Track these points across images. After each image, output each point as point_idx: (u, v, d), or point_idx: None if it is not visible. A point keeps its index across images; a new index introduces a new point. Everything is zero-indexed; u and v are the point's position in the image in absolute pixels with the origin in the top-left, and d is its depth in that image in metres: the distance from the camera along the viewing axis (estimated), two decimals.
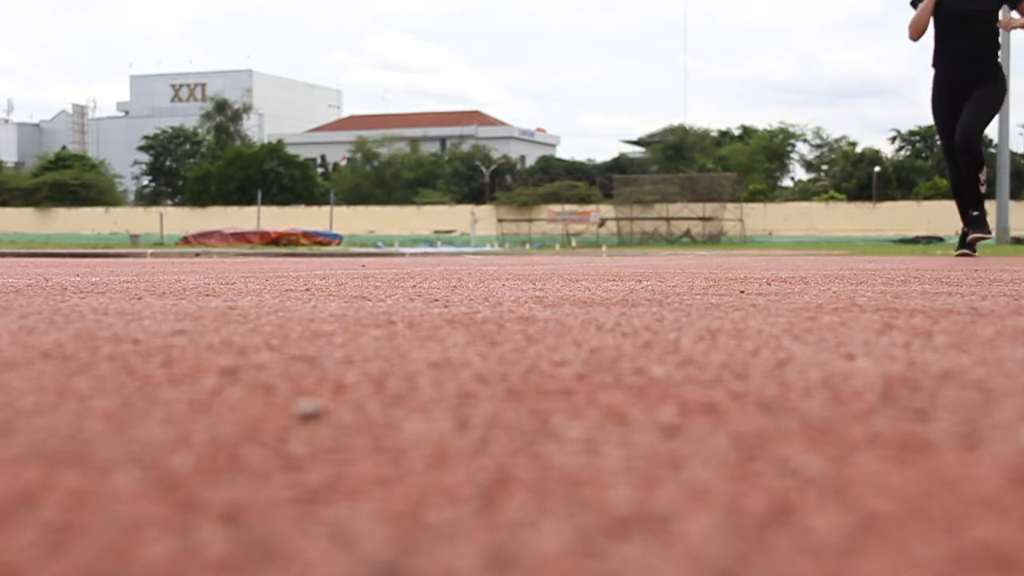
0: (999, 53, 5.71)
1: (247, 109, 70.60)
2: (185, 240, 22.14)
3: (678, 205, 44.01)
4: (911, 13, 5.56)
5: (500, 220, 48.15)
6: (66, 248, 11.40)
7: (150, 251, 10.10)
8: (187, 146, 69.89)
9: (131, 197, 73.89)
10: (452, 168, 63.88)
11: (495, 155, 64.70)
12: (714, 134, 65.47)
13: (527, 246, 28.61)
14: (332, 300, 1.46)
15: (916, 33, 5.50)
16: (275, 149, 62.68)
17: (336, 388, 0.65)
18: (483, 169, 61.46)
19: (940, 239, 37.35)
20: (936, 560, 0.32)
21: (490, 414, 0.56)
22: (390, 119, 77.85)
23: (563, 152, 77.82)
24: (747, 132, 65.27)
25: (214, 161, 63.95)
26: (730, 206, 44.35)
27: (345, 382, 0.68)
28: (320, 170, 69.44)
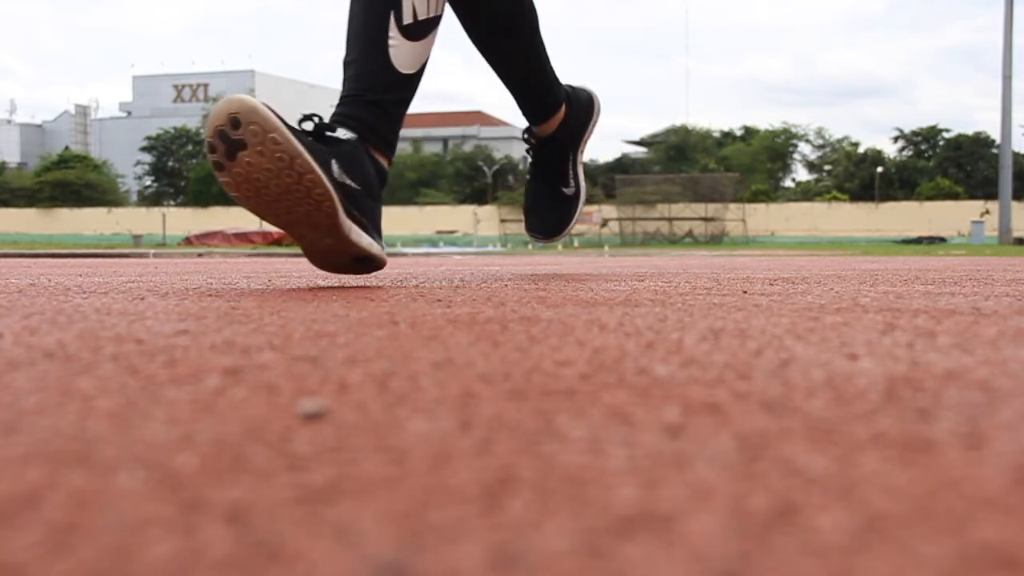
0: None
1: None
2: (187, 240, 22.15)
3: (680, 205, 44.02)
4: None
5: (503, 220, 48.14)
6: (68, 248, 11.40)
7: (152, 251, 10.10)
8: (189, 146, 69.97)
9: (133, 197, 73.99)
10: (454, 168, 63.90)
11: (497, 155, 64.70)
12: (716, 134, 65.51)
13: (529, 246, 28.57)
14: (335, 300, 1.46)
15: None
16: None
17: (339, 388, 0.65)
18: (485, 169, 61.42)
19: (943, 239, 37.35)
20: (941, 560, 0.32)
21: (493, 414, 0.56)
22: None
23: None
24: (749, 132, 65.30)
25: None
26: (732, 206, 44.38)
27: (348, 382, 0.68)
28: None
